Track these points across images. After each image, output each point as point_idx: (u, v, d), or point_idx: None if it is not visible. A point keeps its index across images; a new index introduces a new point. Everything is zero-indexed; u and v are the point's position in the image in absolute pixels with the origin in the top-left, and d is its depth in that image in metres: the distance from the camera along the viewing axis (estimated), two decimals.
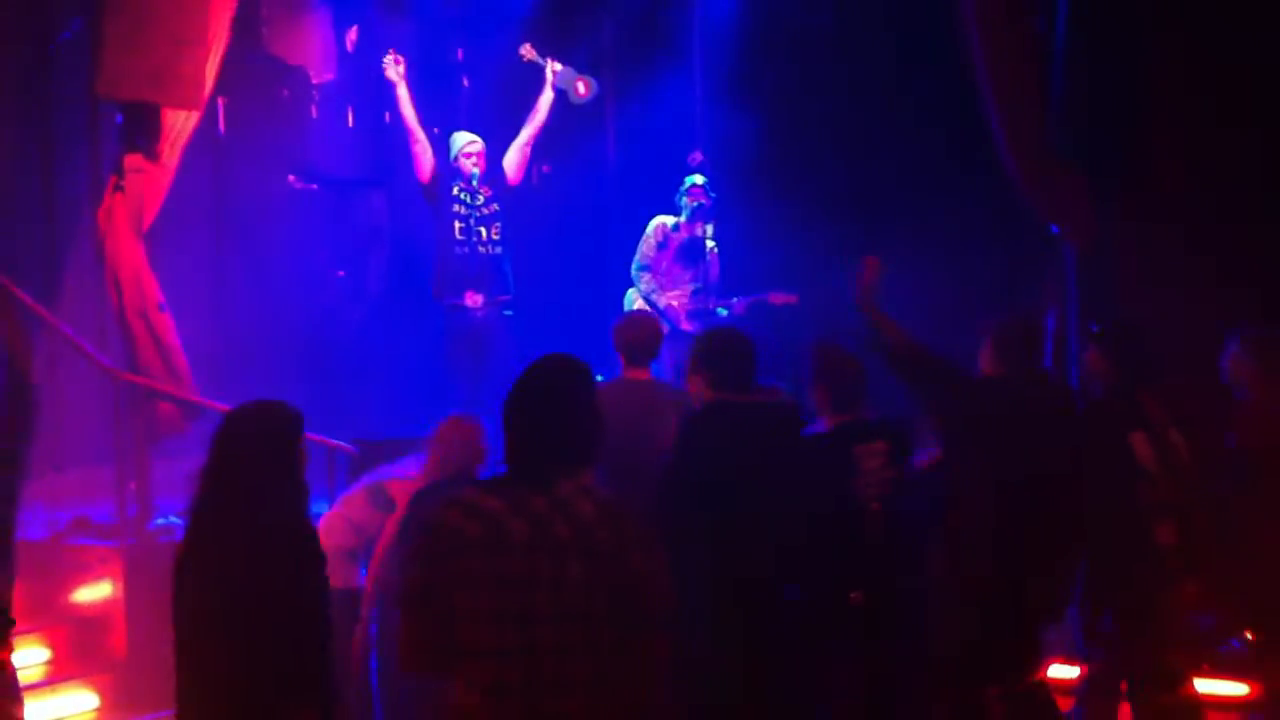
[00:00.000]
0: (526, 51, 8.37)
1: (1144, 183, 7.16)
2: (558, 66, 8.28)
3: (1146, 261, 7.17)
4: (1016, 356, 4.78)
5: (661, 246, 8.36)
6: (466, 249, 7.94)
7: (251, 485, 3.61)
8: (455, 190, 8.01)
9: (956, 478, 4.70)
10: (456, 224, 7.95)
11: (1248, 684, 5.78)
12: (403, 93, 7.90)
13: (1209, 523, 5.11)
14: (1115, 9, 6.94)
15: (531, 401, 3.11)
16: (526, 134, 8.22)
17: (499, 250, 8.01)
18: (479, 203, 8.01)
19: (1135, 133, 7.07)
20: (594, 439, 3.13)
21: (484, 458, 5.31)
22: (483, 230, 7.99)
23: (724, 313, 8.42)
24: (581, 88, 8.33)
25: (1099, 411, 5.17)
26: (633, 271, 8.39)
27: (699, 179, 8.41)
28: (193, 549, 3.66)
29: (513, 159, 8.17)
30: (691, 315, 8.32)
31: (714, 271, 8.48)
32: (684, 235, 8.37)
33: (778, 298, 8.33)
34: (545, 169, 9.17)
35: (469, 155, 8.03)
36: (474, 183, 7.99)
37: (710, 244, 8.45)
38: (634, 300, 8.38)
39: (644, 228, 8.45)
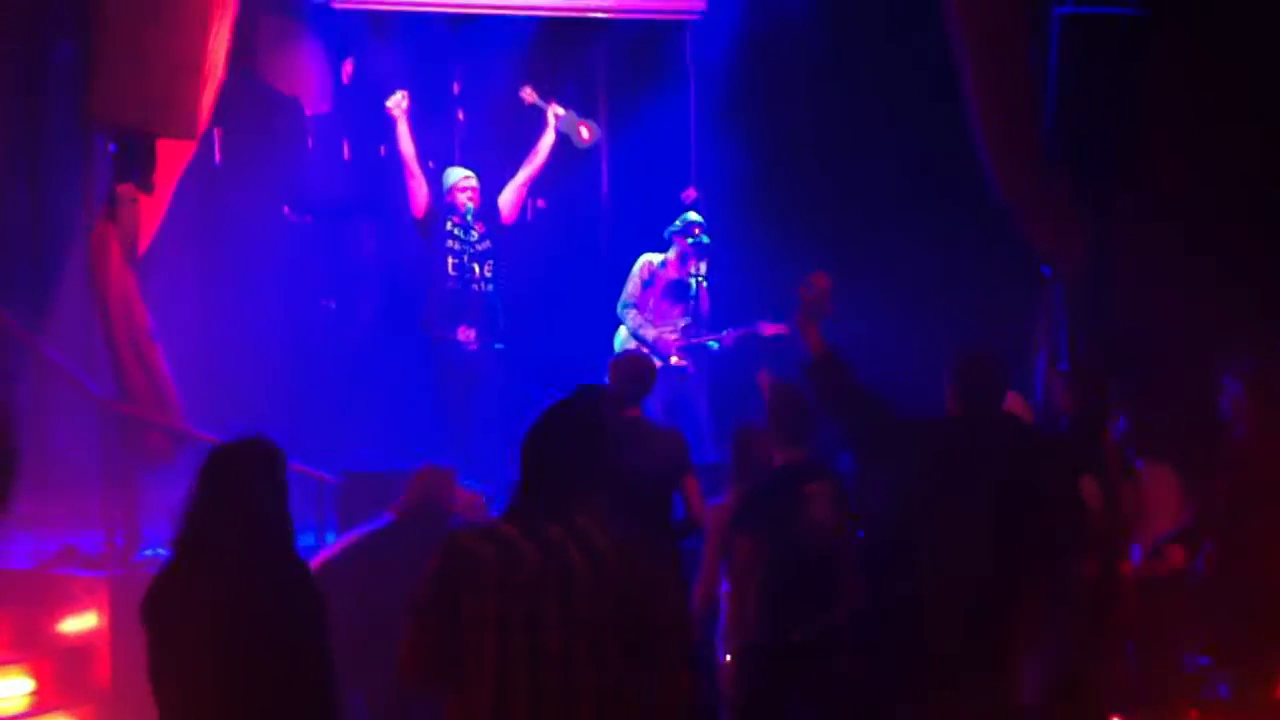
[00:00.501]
0: (528, 95, 8.43)
1: (1141, 186, 7.19)
2: (560, 110, 8.32)
3: (1143, 271, 7.20)
4: (971, 395, 4.61)
5: (648, 284, 8.39)
6: (459, 284, 7.95)
7: (240, 519, 3.60)
8: (448, 226, 8.02)
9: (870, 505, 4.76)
10: (450, 259, 7.96)
11: None
12: (403, 129, 7.95)
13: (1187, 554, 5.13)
14: (1109, 25, 6.98)
15: (554, 435, 3.15)
16: (524, 175, 8.26)
17: (491, 287, 8.02)
18: (472, 239, 8.03)
19: (1131, 138, 7.09)
20: (610, 474, 3.17)
21: (451, 507, 5.32)
22: (476, 267, 8.00)
23: (715, 345, 8.42)
24: (585, 133, 8.37)
25: (1055, 449, 5.08)
26: (619, 309, 8.40)
27: (694, 216, 8.43)
28: (177, 583, 3.63)
29: (508, 198, 8.19)
30: (682, 350, 8.32)
31: (704, 306, 8.48)
32: (672, 273, 8.38)
33: (768, 329, 8.34)
34: (539, 204, 9.18)
35: (463, 190, 8.06)
36: (468, 218, 8.00)
37: (700, 278, 8.46)
38: (624, 338, 8.37)
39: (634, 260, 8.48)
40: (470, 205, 8.03)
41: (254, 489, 3.65)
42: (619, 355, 6.08)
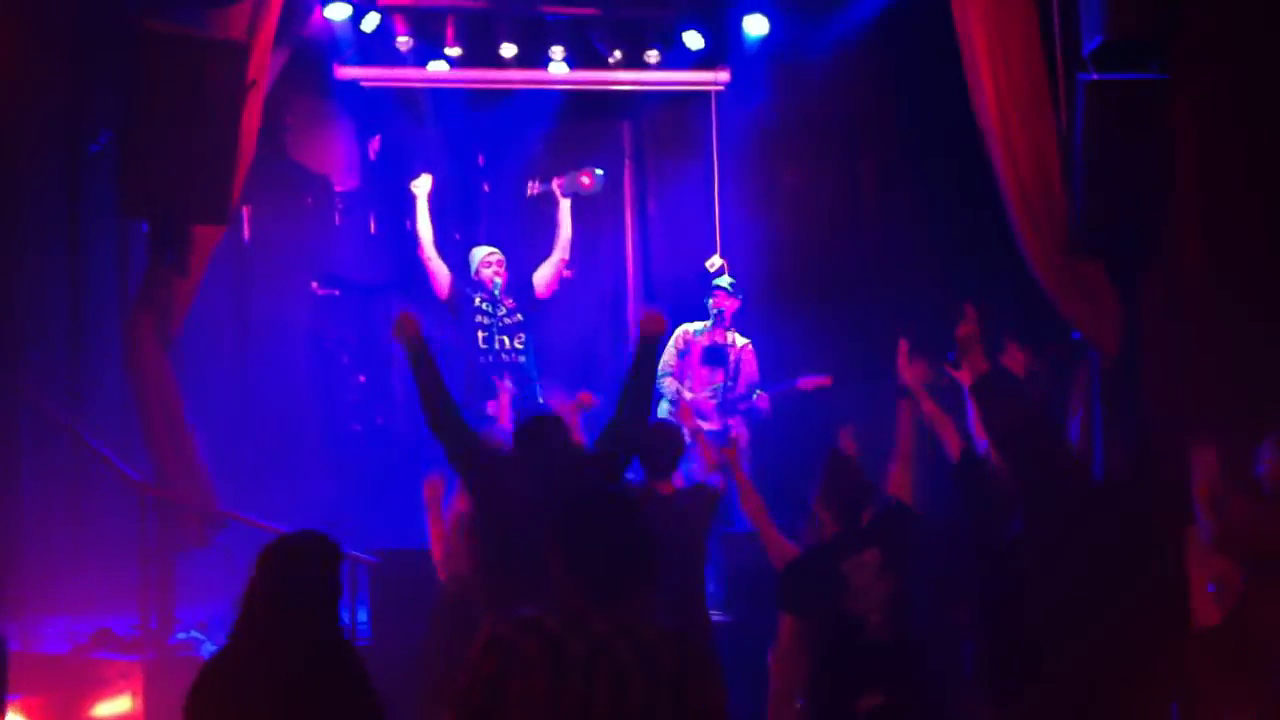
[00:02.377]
0: (532, 188, 8.50)
1: (1169, 272, 7.16)
2: (558, 181, 8.39)
3: (1173, 357, 7.15)
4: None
5: (683, 354, 8.42)
6: (490, 358, 7.98)
7: (297, 615, 3.63)
8: (477, 301, 8.07)
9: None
10: (479, 334, 8.02)
11: None
12: (423, 209, 8.04)
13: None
14: (1134, 99, 6.98)
15: (595, 523, 3.11)
16: (559, 253, 8.32)
17: (523, 359, 8.05)
18: (501, 313, 8.08)
19: (1157, 210, 7.08)
20: (655, 564, 3.12)
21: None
22: (505, 339, 8.04)
23: (754, 397, 8.38)
24: (586, 180, 8.45)
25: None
26: (659, 379, 8.41)
27: (724, 282, 8.45)
28: (231, 673, 3.64)
29: (545, 275, 8.27)
30: (720, 409, 8.30)
31: (752, 369, 8.48)
32: (706, 340, 8.40)
33: (808, 383, 8.33)
34: (567, 274, 9.22)
35: (488, 266, 8.13)
36: (496, 293, 8.05)
37: (743, 341, 8.47)
38: (664, 409, 8.38)
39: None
40: (498, 280, 8.09)
41: (311, 585, 3.68)
42: (655, 426, 6.01)
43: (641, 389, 5.34)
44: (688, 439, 6.15)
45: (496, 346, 8.03)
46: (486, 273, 8.13)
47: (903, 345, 5.33)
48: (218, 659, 3.72)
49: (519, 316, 8.11)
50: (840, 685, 4.61)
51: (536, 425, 5.25)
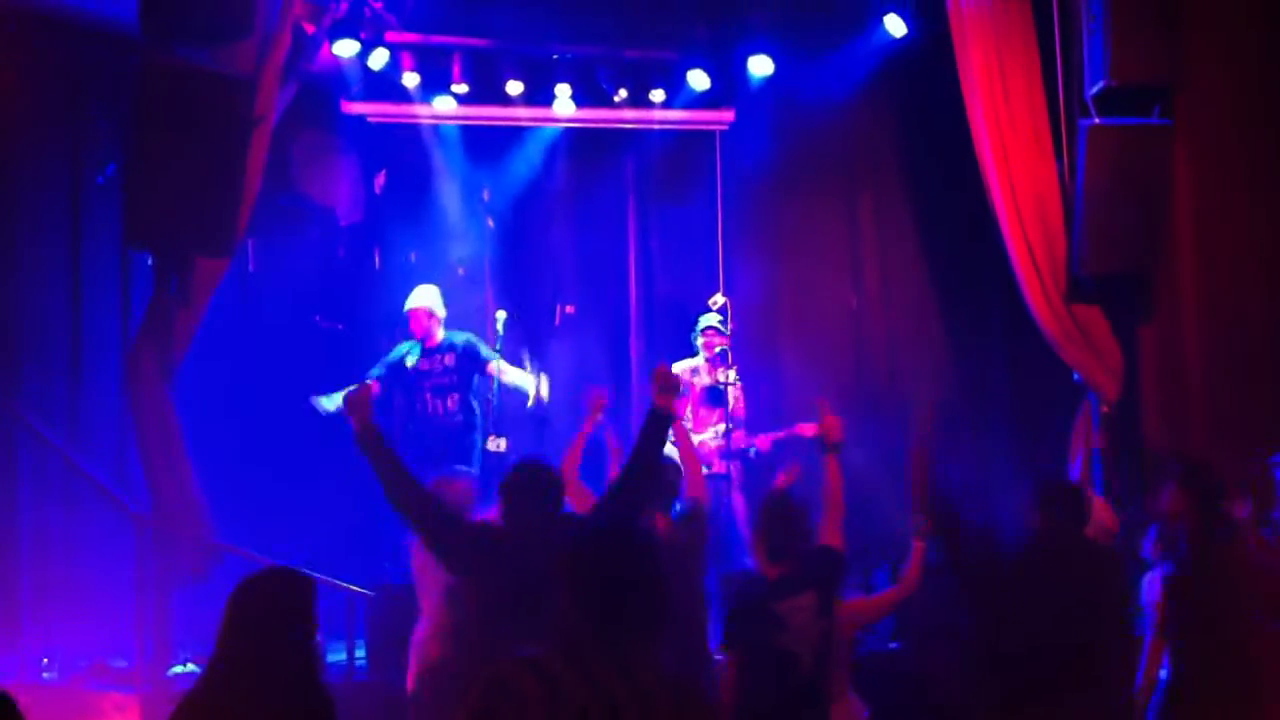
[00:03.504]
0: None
1: (1168, 319, 7.18)
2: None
3: (1172, 401, 7.16)
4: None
5: (683, 394, 8.38)
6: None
7: (268, 650, 3.62)
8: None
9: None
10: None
11: None
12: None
13: None
14: (1136, 144, 7.00)
15: (599, 571, 3.05)
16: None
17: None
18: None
19: (1157, 268, 7.09)
20: (663, 609, 3.06)
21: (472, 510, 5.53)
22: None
23: (752, 453, 8.39)
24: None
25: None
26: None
27: (713, 319, 8.45)
28: (205, 707, 3.64)
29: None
30: (723, 454, 8.31)
31: (740, 408, 8.47)
32: (704, 381, 8.41)
33: (807, 429, 8.32)
34: (569, 309, 9.24)
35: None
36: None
37: (734, 378, 8.47)
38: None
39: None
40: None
41: (282, 621, 3.67)
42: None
43: (646, 463, 4.95)
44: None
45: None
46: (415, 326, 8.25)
47: (822, 403, 5.40)
48: (192, 695, 3.70)
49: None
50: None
51: (528, 479, 4.78)
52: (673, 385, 4.96)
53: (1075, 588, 4.72)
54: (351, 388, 4.90)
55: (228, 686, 3.62)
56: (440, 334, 8.28)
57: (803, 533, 4.94)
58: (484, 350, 8.24)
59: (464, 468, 6.42)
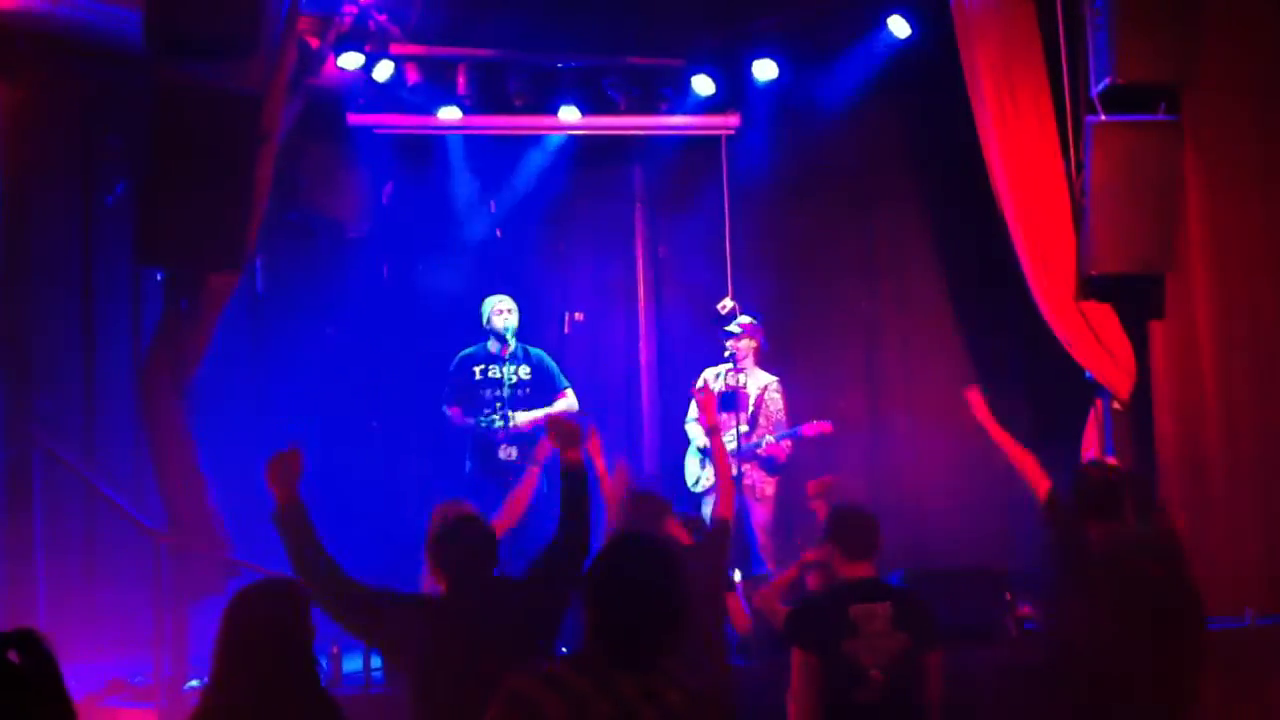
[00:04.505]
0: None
1: (1179, 315, 7.17)
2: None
3: (1184, 398, 7.15)
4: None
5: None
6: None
7: (263, 661, 3.63)
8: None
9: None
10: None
11: None
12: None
13: None
14: (1143, 141, 6.99)
15: (621, 587, 3.03)
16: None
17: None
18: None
19: (1167, 266, 7.08)
20: (682, 625, 3.04)
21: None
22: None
23: (763, 444, 8.39)
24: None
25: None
26: (686, 425, 8.63)
27: (733, 326, 8.48)
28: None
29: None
30: (737, 456, 8.32)
31: (777, 406, 8.49)
32: (722, 386, 8.44)
33: (810, 429, 8.33)
34: (578, 317, 9.24)
35: (500, 313, 8.22)
36: (508, 337, 8.13)
37: (765, 380, 8.52)
38: (693, 454, 8.58)
39: (675, 376, 8.56)
40: (510, 325, 8.19)
41: (278, 630, 3.68)
42: (631, 493, 5.91)
43: (575, 519, 4.51)
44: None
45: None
46: (498, 320, 8.22)
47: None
48: (197, 710, 3.71)
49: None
50: None
51: (452, 535, 4.45)
52: (571, 434, 4.58)
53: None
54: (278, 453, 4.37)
55: (228, 701, 3.63)
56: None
57: (875, 535, 4.84)
58: None
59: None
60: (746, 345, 8.52)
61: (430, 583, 5.05)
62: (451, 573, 4.35)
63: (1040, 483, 5.51)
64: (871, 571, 4.78)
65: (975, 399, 5.85)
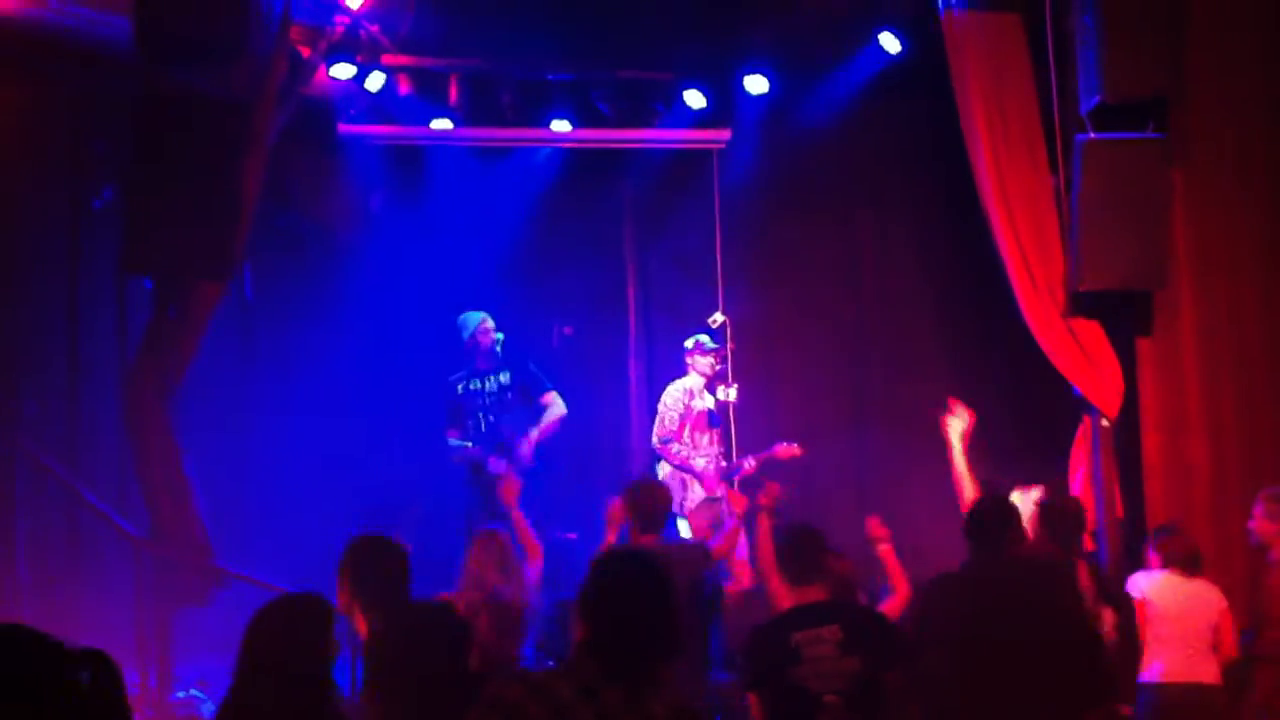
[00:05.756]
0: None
1: (1166, 331, 7.18)
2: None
3: (1171, 414, 7.16)
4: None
5: (684, 417, 8.39)
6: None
7: (289, 678, 3.57)
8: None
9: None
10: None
11: None
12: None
13: None
14: (1131, 159, 7.01)
15: (613, 602, 3.02)
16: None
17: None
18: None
19: (1155, 282, 7.09)
20: (674, 638, 3.04)
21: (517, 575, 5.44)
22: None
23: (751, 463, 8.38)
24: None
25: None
26: (655, 444, 8.43)
27: (694, 340, 8.46)
28: None
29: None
30: (722, 476, 8.31)
31: (730, 426, 8.49)
32: (705, 404, 8.43)
33: (782, 451, 8.33)
34: (567, 330, 9.25)
35: (484, 333, 8.26)
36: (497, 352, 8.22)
37: (728, 393, 8.48)
38: (665, 471, 8.35)
39: (664, 387, 8.52)
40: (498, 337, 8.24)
41: (307, 647, 3.62)
42: (635, 484, 5.99)
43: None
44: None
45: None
46: (484, 340, 8.25)
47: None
48: None
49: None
50: None
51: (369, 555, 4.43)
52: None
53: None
54: None
55: (253, 716, 3.59)
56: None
57: (820, 556, 4.69)
58: None
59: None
60: (710, 365, 8.48)
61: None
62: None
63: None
64: (822, 594, 4.61)
65: (954, 418, 5.79)
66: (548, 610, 6.26)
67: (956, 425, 5.83)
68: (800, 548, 4.69)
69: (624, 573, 3.10)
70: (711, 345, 8.45)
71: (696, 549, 5.94)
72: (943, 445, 6.30)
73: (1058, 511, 5.12)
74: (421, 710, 3.82)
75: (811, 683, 4.36)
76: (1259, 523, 6.15)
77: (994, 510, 4.87)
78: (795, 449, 8.28)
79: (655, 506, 5.84)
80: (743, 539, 6.32)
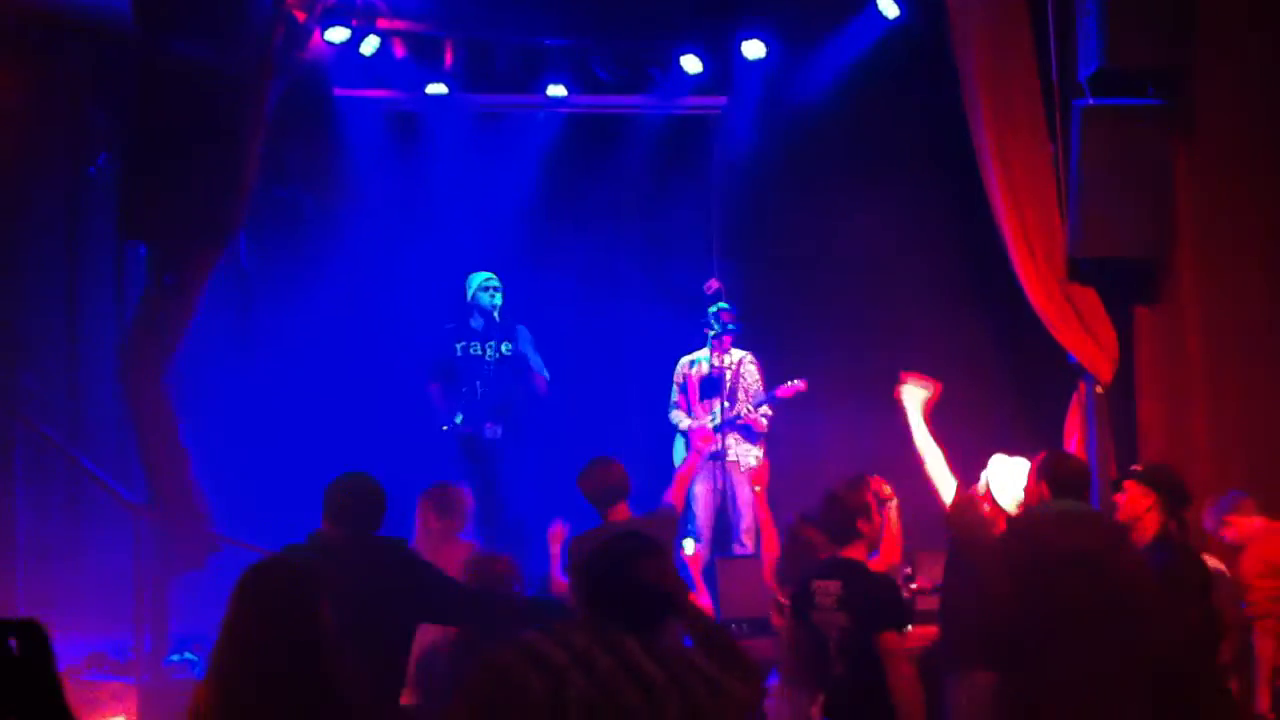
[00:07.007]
0: None
1: (1164, 300, 7.16)
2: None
3: (1168, 383, 7.15)
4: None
5: (682, 388, 8.48)
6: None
7: (274, 641, 3.54)
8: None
9: None
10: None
11: None
12: None
13: None
14: (1131, 125, 6.98)
15: (612, 571, 3.17)
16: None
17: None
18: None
19: (1153, 250, 7.07)
20: (671, 602, 3.20)
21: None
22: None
23: (749, 409, 8.41)
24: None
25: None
26: (670, 414, 8.65)
27: (716, 307, 8.47)
28: (215, 704, 3.59)
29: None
30: (718, 428, 8.30)
31: (751, 379, 8.53)
32: (701, 372, 8.44)
33: (785, 391, 8.36)
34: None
35: (486, 290, 8.22)
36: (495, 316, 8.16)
37: (739, 355, 8.53)
38: (679, 443, 8.59)
39: (660, 357, 8.68)
40: (496, 301, 8.24)
41: (287, 609, 3.57)
42: (584, 468, 5.96)
43: None
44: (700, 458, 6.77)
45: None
46: (484, 297, 8.23)
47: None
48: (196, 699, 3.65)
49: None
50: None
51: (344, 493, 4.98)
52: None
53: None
54: None
55: (238, 683, 3.53)
56: None
57: (851, 521, 5.05)
58: None
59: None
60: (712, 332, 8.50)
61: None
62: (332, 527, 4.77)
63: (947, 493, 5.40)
64: (858, 553, 5.04)
65: (912, 388, 5.64)
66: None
67: (917, 395, 5.58)
68: (834, 513, 5.12)
69: (614, 551, 3.23)
70: (714, 309, 8.46)
71: (661, 515, 5.96)
72: (942, 416, 6.23)
73: (1064, 469, 5.05)
74: None
75: (821, 626, 4.94)
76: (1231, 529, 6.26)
77: (1079, 469, 5.08)
78: (800, 385, 8.30)
79: (606, 482, 5.84)
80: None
